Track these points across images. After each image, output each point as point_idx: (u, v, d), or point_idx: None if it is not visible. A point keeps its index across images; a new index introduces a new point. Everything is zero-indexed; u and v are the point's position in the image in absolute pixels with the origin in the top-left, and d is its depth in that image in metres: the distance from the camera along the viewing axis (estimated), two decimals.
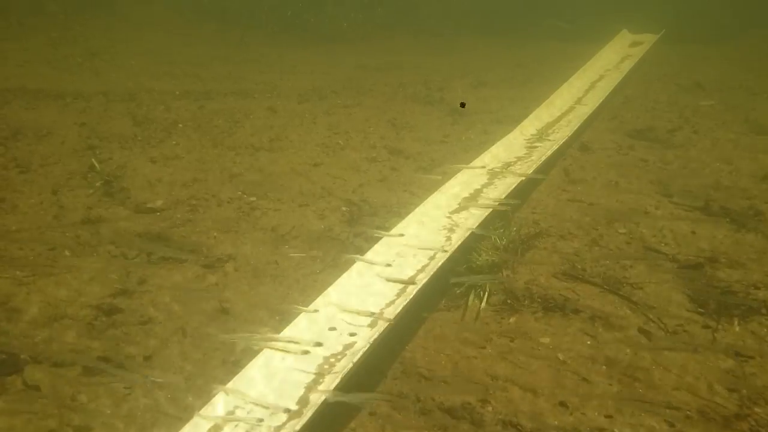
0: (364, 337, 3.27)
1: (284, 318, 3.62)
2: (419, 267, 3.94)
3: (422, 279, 3.78)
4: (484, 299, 3.94)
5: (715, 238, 4.78)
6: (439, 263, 3.96)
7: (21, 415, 2.94)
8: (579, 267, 4.34)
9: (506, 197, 4.89)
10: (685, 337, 3.67)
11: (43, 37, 10.67)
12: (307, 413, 2.78)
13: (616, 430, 2.96)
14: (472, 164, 5.61)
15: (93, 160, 5.70)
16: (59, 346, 3.39)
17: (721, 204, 5.31)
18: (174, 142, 6.43)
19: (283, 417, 2.77)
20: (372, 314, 3.47)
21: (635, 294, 4.05)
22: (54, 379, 3.16)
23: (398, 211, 4.99)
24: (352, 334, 3.31)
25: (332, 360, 3.14)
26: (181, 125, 6.95)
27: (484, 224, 4.53)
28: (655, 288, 4.12)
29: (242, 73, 9.71)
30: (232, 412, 2.80)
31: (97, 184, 5.28)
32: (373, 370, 3.28)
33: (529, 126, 6.89)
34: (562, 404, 3.14)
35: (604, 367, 3.41)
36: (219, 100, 8.04)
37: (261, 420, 2.74)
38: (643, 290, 4.10)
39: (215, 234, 4.63)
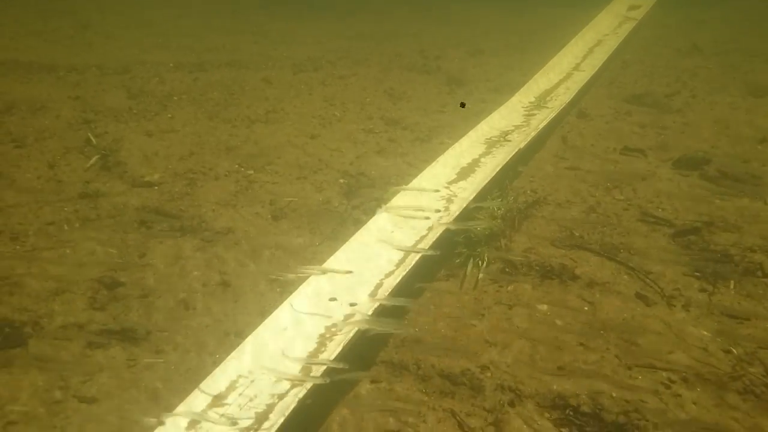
0: (365, 308, 3.30)
1: (285, 290, 3.64)
2: (417, 238, 3.95)
3: (420, 250, 3.80)
4: (482, 268, 3.97)
5: (711, 202, 4.80)
6: (438, 233, 3.97)
7: (27, 386, 2.98)
8: (577, 234, 4.36)
9: (504, 166, 4.88)
10: (681, 301, 3.71)
11: (32, 9, 10.49)
12: (309, 383, 2.82)
13: (613, 393, 3.02)
14: (468, 134, 5.58)
15: (89, 134, 5.67)
16: (62, 320, 3.43)
17: (718, 168, 5.31)
18: (169, 115, 6.38)
19: (287, 385, 2.82)
20: (372, 285, 3.49)
21: (633, 259, 4.08)
22: (58, 352, 3.20)
23: (396, 182, 4.98)
24: (352, 305, 3.34)
25: (333, 329, 3.18)
26: (176, 98, 6.89)
27: (482, 194, 4.53)
28: (653, 253, 4.15)
29: (236, 44, 9.59)
30: (235, 381, 2.84)
31: (94, 158, 5.26)
32: (374, 340, 3.32)
33: (527, 94, 6.83)
34: (560, 369, 3.19)
35: (601, 332, 3.45)
36: (213, 71, 7.96)
37: (276, 384, 2.79)
38: (640, 256, 4.13)
39: (213, 207, 4.63)
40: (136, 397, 2.96)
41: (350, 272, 3.59)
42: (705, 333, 3.45)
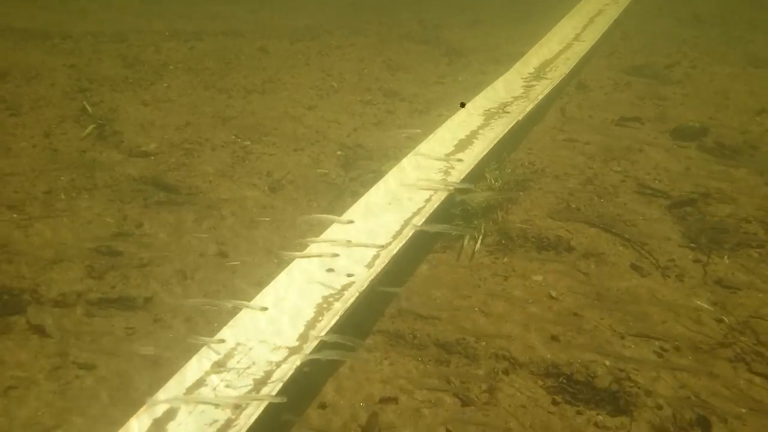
0: (361, 278, 3.32)
1: (282, 261, 3.65)
2: (415, 210, 3.95)
3: (419, 221, 3.81)
4: (479, 241, 3.99)
5: (708, 174, 4.81)
6: (435, 205, 3.98)
7: (27, 353, 3.02)
8: (573, 206, 4.37)
9: (502, 138, 4.87)
10: (676, 271, 3.75)
11: None
12: (307, 349, 2.86)
13: (606, 361, 3.07)
14: (467, 106, 5.55)
15: (84, 102, 5.63)
16: (60, 288, 3.45)
17: (715, 139, 5.30)
18: (165, 85, 6.32)
19: (285, 352, 2.85)
20: (369, 256, 3.51)
21: (628, 231, 4.11)
22: (57, 319, 3.23)
23: (394, 154, 4.97)
24: (349, 275, 3.36)
25: (330, 299, 3.20)
26: (171, 67, 6.81)
27: (480, 166, 4.53)
28: (648, 225, 4.18)
29: (232, 12, 9.43)
30: (234, 349, 2.88)
31: (90, 127, 5.22)
32: (370, 310, 3.35)
33: (527, 64, 6.77)
34: (554, 338, 3.23)
35: (596, 302, 3.49)
36: (209, 40, 7.85)
37: (273, 351, 2.83)
38: (636, 227, 4.16)
39: (210, 178, 4.62)
40: (136, 364, 2.99)
41: (349, 241, 3.61)
42: (698, 303, 3.50)
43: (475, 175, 4.47)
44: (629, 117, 5.82)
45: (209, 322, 3.24)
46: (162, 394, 2.61)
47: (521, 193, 4.51)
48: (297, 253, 3.53)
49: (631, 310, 3.41)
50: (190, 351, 2.85)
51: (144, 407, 2.54)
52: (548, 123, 5.71)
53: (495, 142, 4.82)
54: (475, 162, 4.50)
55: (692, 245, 3.98)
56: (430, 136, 4.91)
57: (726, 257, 3.86)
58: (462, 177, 4.30)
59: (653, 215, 4.29)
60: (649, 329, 3.30)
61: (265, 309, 3.09)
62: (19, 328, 3.16)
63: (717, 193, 4.52)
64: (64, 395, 2.79)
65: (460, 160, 4.53)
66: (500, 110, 5.48)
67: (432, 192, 4.13)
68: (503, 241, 3.99)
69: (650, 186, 4.64)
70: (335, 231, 3.75)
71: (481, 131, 5.04)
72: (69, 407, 2.73)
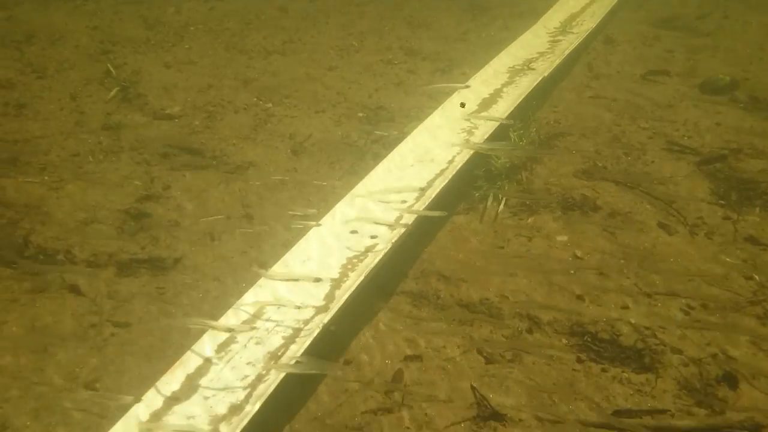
0: (385, 239, 3.34)
1: (306, 223, 3.67)
2: (437, 171, 3.93)
3: (440, 183, 3.79)
4: (503, 201, 3.96)
5: (740, 128, 4.68)
6: (458, 166, 3.95)
7: (64, 311, 3.12)
8: (600, 165, 4.31)
9: (527, 96, 4.78)
10: (704, 229, 3.70)
11: None
12: (334, 308, 2.91)
13: (632, 319, 3.07)
14: (490, 63, 5.44)
15: (108, 65, 5.65)
16: (92, 248, 3.53)
17: (749, 93, 5.14)
18: (187, 46, 6.30)
19: (311, 312, 2.91)
20: (392, 218, 3.53)
21: (656, 189, 4.05)
22: (90, 279, 3.32)
23: (416, 115, 4.91)
24: (373, 237, 3.38)
25: (355, 261, 3.24)
26: (192, 28, 6.77)
27: (504, 125, 4.46)
28: (676, 182, 4.11)
29: None
30: (262, 308, 2.94)
31: (114, 90, 5.26)
32: (394, 271, 3.38)
33: (553, 19, 6.58)
34: (579, 297, 3.23)
35: (622, 261, 3.47)
36: (229, 0, 7.76)
37: (297, 307, 2.89)
38: (664, 185, 4.09)
39: (234, 141, 4.64)
40: (168, 322, 3.08)
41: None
42: (727, 260, 3.46)
43: (499, 135, 4.42)
44: (658, 72, 5.66)
45: (237, 282, 3.30)
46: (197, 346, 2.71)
47: (546, 152, 4.45)
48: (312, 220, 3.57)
49: (657, 269, 3.39)
50: (220, 311, 2.93)
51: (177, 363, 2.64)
52: (574, 79, 5.59)
53: (520, 100, 4.74)
54: (499, 121, 4.43)
55: (722, 202, 3.91)
56: (454, 95, 4.85)
57: (757, 214, 3.79)
58: (485, 137, 4.26)
59: (682, 172, 4.22)
60: (676, 287, 3.28)
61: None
62: (54, 287, 3.26)
63: (749, 148, 4.41)
64: (101, 352, 2.89)
65: (483, 120, 4.48)
66: (525, 67, 5.36)
67: (455, 153, 4.10)
68: (527, 202, 3.96)
69: (679, 143, 4.54)
70: (359, 192, 3.76)
71: (505, 89, 4.95)
72: (106, 363, 2.83)
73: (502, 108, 4.62)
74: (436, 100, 5.11)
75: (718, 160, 4.30)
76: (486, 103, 4.73)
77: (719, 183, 4.09)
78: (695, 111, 5.01)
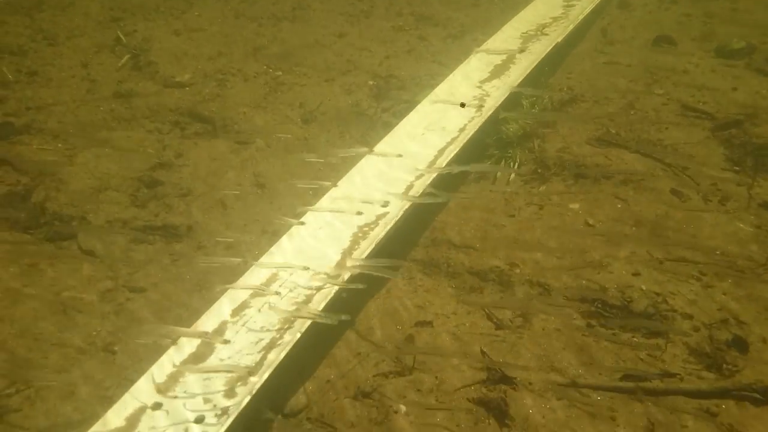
0: (396, 209, 3.35)
1: (317, 192, 3.68)
2: (448, 139, 3.91)
3: (452, 150, 3.77)
4: (514, 169, 3.94)
5: (757, 93, 4.60)
6: (470, 134, 3.93)
7: (81, 276, 3.18)
8: (613, 132, 4.26)
9: (539, 62, 4.71)
10: (718, 196, 3.67)
11: None
12: (345, 275, 2.94)
13: (643, 286, 3.07)
14: (503, 29, 5.35)
15: (118, 32, 5.62)
16: (107, 216, 3.58)
17: (766, 57, 5.03)
18: (196, 13, 6.24)
19: (323, 278, 2.94)
20: (403, 186, 3.52)
21: (669, 156, 4.00)
22: (105, 246, 3.37)
23: (427, 83, 4.86)
24: (384, 205, 3.39)
25: (366, 229, 3.25)
26: None
27: (517, 92, 4.41)
28: (690, 148, 4.07)
29: None
30: (275, 275, 2.97)
31: (125, 57, 5.25)
32: (405, 240, 3.39)
33: None
34: (590, 265, 3.23)
35: (633, 228, 3.46)
36: None
37: (310, 273, 2.93)
38: (678, 151, 4.05)
39: (244, 110, 4.63)
40: (182, 287, 3.13)
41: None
42: (741, 226, 3.43)
43: (512, 102, 4.37)
44: (674, 36, 5.54)
45: (250, 250, 3.34)
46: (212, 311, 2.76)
47: (559, 119, 4.40)
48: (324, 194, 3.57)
49: (670, 236, 3.38)
50: (233, 277, 2.96)
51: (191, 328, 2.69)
52: (588, 45, 5.49)
53: (532, 66, 4.67)
54: (512, 88, 4.38)
55: (736, 168, 3.87)
56: (464, 63, 4.78)
57: None
58: (497, 104, 4.21)
59: (696, 138, 4.16)
60: (688, 254, 3.27)
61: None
62: (71, 253, 3.32)
63: (766, 113, 4.33)
64: (118, 315, 2.96)
65: (495, 87, 4.43)
66: (538, 32, 5.27)
67: (466, 121, 4.06)
68: (539, 170, 3.93)
69: (694, 108, 4.48)
70: (369, 163, 3.75)
71: (518, 56, 4.87)
72: (123, 326, 2.89)
73: (515, 75, 4.56)
74: (447, 66, 5.05)
75: (733, 126, 4.24)
76: (498, 70, 4.67)
77: (734, 149, 4.03)
78: (711, 76, 4.92)
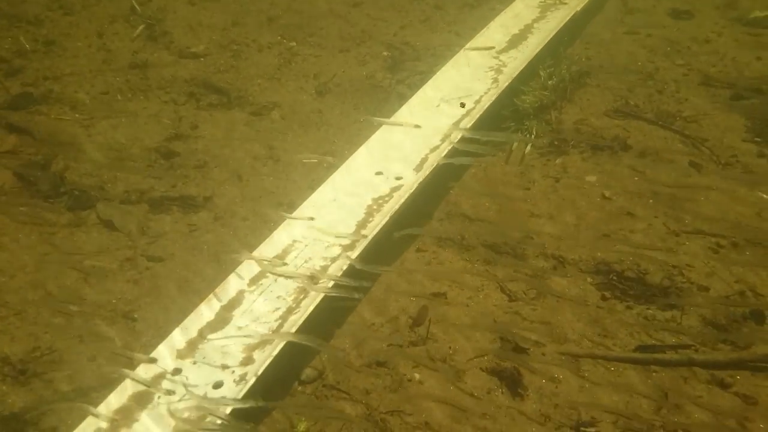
0: (410, 181, 3.34)
1: (332, 166, 3.68)
2: (464, 111, 3.88)
3: (468, 122, 3.75)
4: (530, 142, 3.91)
5: None
6: (485, 106, 3.89)
7: (100, 245, 3.24)
8: (632, 103, 4.20)
9: (558, 32, 4.64)
10: (738, 168, 3.62)
11: None
12: (359, 246, 2.96)
13: (659, 257, 3.05)
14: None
15: (133, 2, 5.59)
16: (125, 186, 3.62)
17: None
18: None
19: (338, 250, 2.96)
20: (417, 160, 3.51)
21: (689, 127, 3.95)
22: (123, 215, 3.41)
23: (443, 53, 4.80)
24: (398, 178, 3.39)
25: (380, 201, 3.25)
26: None
27: (534, 63, 4.35)
28: (710, 120, 4.00)
29: None
30: (291, 245, 3.00)
31: (140, 27, 5.23)
32: (419, 213, 3.40)
33: None
34: (606, 236, 3.22)
35: (650, 201, 3.43)
36: None
37: (328, 249, 2.96)
38: (697, 123, 3.98)
39: (259, 81, 4.62)
40: (200, 257, 3.17)
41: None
42: (764, 196, 3.39)
43: (529, 73, 4.32)
44: (696, 5, 5.40)
45: (265, 222, 3.36)
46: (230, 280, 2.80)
47: (577, 90, 4.34)
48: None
49: (687, 208, 3.34)
50: (250, 248, 2.99)
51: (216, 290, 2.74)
52: (608, 14, 5.37)
53: (550, 36, 4.59)
54: (529, 59, 4.32)
55: (757, 139, 3.80)
56: (482, 31, 4.72)
57: None
58: (514, 75, 4.16)
59: (717, 109, 4.09)
60: (705, 226, 3.24)
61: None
62: (90, 222, 3.37)
63: None
64: (137, 285, 3.01)
65: (512, 57, 4.37)
66: (557, 1, 5.16)
67: (482, 93, 4.02)
68: (556, 143, 3.89)
69: (715, 78, 4.38)
70: (383, 135, 3.73)
71: (536, 25, 4.79)
72: (142, 295, 2.95)
73: (533, 44, 4.50)
74: (463, 36, 4.98)
75: (755, 95, 4.14)
76: (515, 40, 4.60)
77: (755, 120, 3.95)
78: (734, 46, 4.80)
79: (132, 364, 2.48)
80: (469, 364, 2.63)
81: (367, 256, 2.96)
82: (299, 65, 4.84)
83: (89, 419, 2.26)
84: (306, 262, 2.90)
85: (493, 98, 3.96)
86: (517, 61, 4.33)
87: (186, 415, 2.27)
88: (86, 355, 2.66)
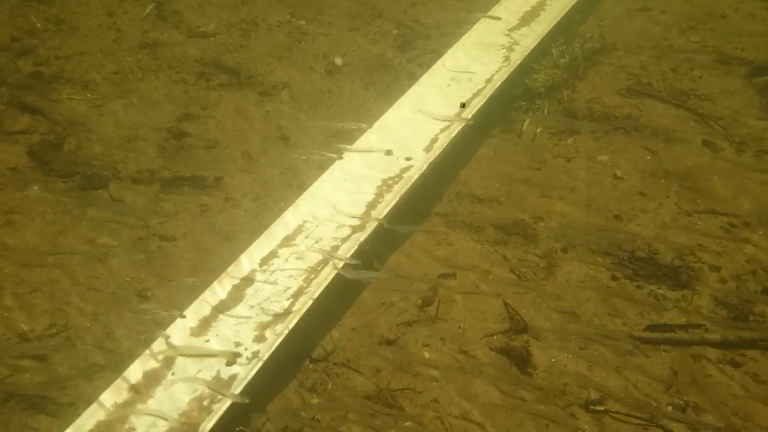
0: (420, 162, 3.33)
1: (341, 147, 3.67)
2: (475, 91, 3.84)
3: (478, 102, 3.72)
4: (541, 122, 3.87)
5: None
6: (497, 85, 3.85)
7: (113, 224, 3.27)
8: (645, 81, 4.15)
9: (570, 9, 4.57)
10: (752, 147, 3.58)
11: None
12: (369, 227, 2.97)
13: (670, 238, 3.04)
14: None
15: None
16: (136, 166, 3.64)
17: None
18: None
19: (348, 230, 2.97)
20: (427, 140, 3.50)
21: (703, 106, 3.90)
22: (136, 195, 3.44)
23: (453, 32, 4.74)
24: (408, 159, 3.38)
25: (390, 182, 3.25)
26: None
27: (546, 41, 4.30)
28: (725, 98, 3.94)
29: None
30: (302, 225, 3.02)
31: (150, 6, 5.20)
32: (429, 194, 3.40)
33: None
34: (617, 217, 3.21)
35: (663, 180, 3.41)
36: None
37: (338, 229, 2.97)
38: (711, 101, 3.93)
39: (268, 60, 4.60)
40: (211, 237, 3.20)
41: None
42: None
43: (541, 51, 4.27)
44: None
45: (276, 202, 3.38)
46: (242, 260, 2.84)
47: (589, 69, 4.29)
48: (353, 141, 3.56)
49: (699, 188, 3.32)
50: (260, 228, 3.01)
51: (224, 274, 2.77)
52: None
53: (563, 13, 4.53)
54: (541, 36, 4.27)
55: None
56: (494, 9, 4.65)
57: None
58: (526, 53, 4.12)
59: (731, 87, 4.03)
60: (717, 205, 3.22)
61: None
62: (103, 201, 3.40)
63: None
64: (150, 263, 3.05)
65: (524, 35, 4.32)
66: None
67: (493, 72, 3.98)
68: (567, 122, 3.86)
69: (731, 55, 4.30)
70: (393, 115, 3.72)
71: (548, 2, 4.71)
72: (155, 274, 2.98)
73: (545, 22, 4.43)
74: (474, 13, 4.92)
75: None
76: (527, 17, 4.54)
77: None
78: (751, 21, 4.70)
79: (145, 344, 2.52)
80: (479, 344, 2.65)
81: (375, 237, 2.97)
82: (309, 44, 4.81)
83: (91, 409, 2.28)
84: (316, 242, 2.92)
85: (505, 77, 3.93)
86: (528, 38, 4.28)
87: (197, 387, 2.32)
88: (102, 332, 2.71)
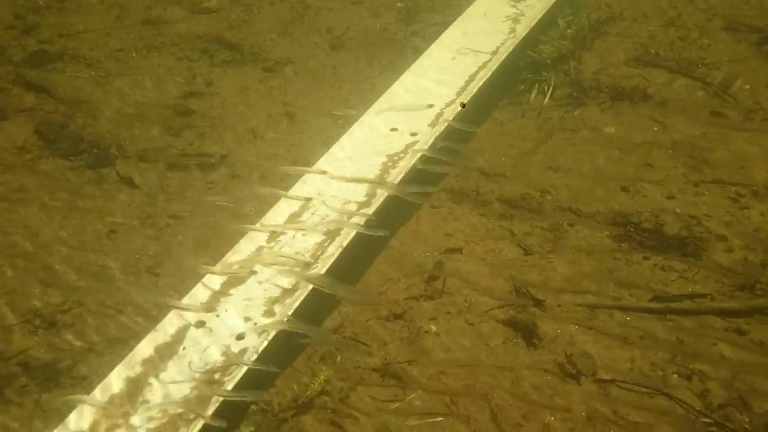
0: (425, 137, 3.32)
1: (346, 122, 3.66)
2: (480, 63, 3.81)
3: (484, 75, 3.69)
4: (548, 94, 3.84)
5: None
6: (502, 57, 3.81)
7: (121, 202, 3.29)
8: (652, 51, 4.09)
9: None
10: (760, 116, 3.53)
11: None
12: (375, 203, 2.97)
13: (677, 209, 3.03)
14: None
15: None
16: (142, 144, 3.65)
17: None
18: None
19: (354, 206, 2.98)
20: (432, 115, 3.48)
21: (711, 74, 3.84)
22: (142, 173, 3.46)
23: (458, 3, 4.68)
24: (413, 134, 3.36)
25: (395, 158, 3.24)
26: None
27: (552, 11, 4.24)
28: (734, 66, 3.88)
29: None
30: (308, 202, 3.02)
31: None
32: (433, 171, 3.36)
33: None
34: (624, 189, 3.19)
35: (670, 151, 3.38)
36: None
37: (345, 205, 2.98)
38: (720, 70, 3.87)
39: (272, 36, 4.57)
40: (219, 214, 3.21)
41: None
42: None
43: (547, 22, 4.21)
44: None
45: (282, 179, 3.38)
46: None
47: (596, 39, 4.23)
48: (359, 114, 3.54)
49: (707, 158, 3.29)
50: (268, 204, 3.02)
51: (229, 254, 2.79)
52: None
53: None
54: (548, 7, 4.21)
55: None
56: None
57: None
58: (532, 24, 4.06)
59: (741, 56, 3.96)
60: (725, 175, 3.19)
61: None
62: (110, 179, 3.43)
63: None
64: (159, 240, 3.07)
65: (530, 6, 4.26)
66: None
67: (499, 44, 3.94)
68: (574, 94, 3.83)
69: (741, 23, 4.22)
70: (397, 91, 3.69)
71: None
72: (164, 251, 3.01)
73: None
74: None
75: None
76: None
77: None
78: None
79: (155, 319, 2.55)
80: (485, 316, 2.67)
81: (381, 213, 2.98)
82: (312, 18, 4.77)
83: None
84: (322, 219, 2.93)
85: (510, 49, 3.89)
86: (535, 9, 4.22)
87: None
88: (112, 310, 2.75)
